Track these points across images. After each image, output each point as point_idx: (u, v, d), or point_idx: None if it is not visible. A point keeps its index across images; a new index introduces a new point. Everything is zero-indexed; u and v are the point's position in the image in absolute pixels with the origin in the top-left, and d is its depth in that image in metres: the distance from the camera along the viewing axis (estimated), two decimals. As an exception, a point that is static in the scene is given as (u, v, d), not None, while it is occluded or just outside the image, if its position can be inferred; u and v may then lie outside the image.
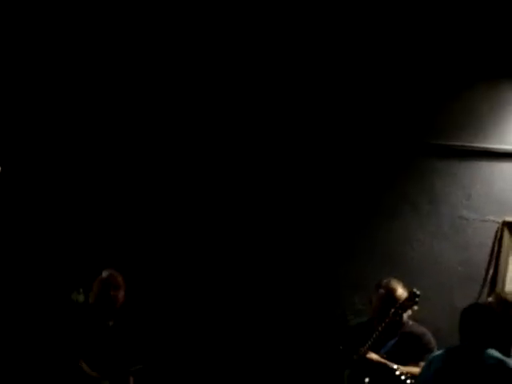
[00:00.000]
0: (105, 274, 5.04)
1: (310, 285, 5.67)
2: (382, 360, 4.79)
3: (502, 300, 4.71)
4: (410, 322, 4.98)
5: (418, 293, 4.83)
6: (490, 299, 4.81)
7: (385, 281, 5.03)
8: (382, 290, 5.00)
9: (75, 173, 5.83)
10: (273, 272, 5.70)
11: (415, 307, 4.87)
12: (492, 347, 4.15)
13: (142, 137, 5.86)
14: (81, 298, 5.31)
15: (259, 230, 5.75)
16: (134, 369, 4.91)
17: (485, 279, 5.51)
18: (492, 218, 5.56)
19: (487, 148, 5.62)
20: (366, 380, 4.76)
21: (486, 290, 5.48)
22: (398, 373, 4.69)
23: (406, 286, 5.00)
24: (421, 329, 4.97)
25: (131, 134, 5.86)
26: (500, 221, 5.54)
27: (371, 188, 5.74)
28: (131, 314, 5.07)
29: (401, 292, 4.96)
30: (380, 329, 4.82)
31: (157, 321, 5.55)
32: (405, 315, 4.90)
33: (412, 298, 4.84)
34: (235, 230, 5.76)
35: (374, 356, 4.80)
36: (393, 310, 4.85)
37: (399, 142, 5.71)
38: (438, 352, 4.45)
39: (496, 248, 5.54)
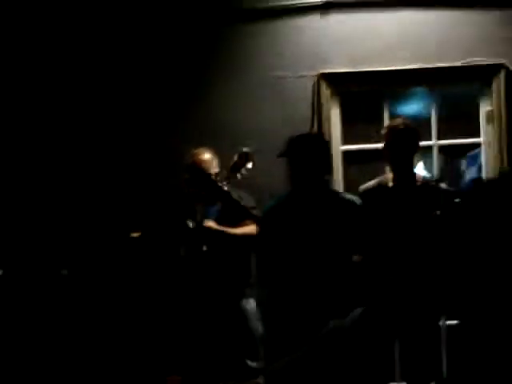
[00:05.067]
0: None
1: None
2: (217, 227, 4.85)
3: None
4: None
5: (245, 150, 4.72)
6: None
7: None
8: (188, 160, 5.02)
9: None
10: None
11: (249, 165, 4.74)
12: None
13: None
14: None
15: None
16: None
17: (310, 134, 5.55)
18: (306, 72, 5.57)
19: (290, 4, 5.58)
20: (204, 248, 4.81)
21: (313, 145, 5.54)
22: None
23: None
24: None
25: None
26: (315, 74, 5.57)
27: (187, 64, 5.64)
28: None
29: (208, 157, 5.00)
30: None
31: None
32: (238, 175, 4.77)
33: (242, 157, 4.73)
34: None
35: (211, 224, 4.84)
36: (226, 175, 4.76)
37: (202, 12, 5.59)
38: (272, 202, 4.49)
39: (316, 102, 5.58)
